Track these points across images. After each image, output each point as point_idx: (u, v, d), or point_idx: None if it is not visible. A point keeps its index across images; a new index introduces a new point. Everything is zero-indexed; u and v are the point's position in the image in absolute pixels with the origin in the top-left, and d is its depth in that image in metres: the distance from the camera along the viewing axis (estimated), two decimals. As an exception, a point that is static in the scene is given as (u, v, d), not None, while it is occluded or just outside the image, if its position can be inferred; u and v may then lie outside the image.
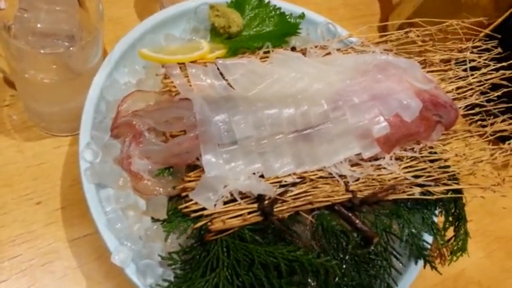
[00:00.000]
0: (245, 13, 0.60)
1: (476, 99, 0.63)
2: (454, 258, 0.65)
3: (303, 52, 0.57)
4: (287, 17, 0.62)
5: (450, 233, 0.61)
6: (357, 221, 0.50)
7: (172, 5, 0.60)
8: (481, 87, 0.64)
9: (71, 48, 0.45)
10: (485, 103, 0.63)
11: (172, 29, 0.58)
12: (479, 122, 0.62)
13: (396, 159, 0.53)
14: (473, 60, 0.65)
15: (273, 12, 0.61)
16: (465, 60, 0.65)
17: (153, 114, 0.47)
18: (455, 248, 0.63)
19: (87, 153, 0.46)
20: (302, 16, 0.63)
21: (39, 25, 0.44)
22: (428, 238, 0.55)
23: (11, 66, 0.47)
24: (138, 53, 0.52)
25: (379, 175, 0.52)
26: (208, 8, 0.58)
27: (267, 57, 0.56)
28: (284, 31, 0.60)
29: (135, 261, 0.44)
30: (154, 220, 0.45)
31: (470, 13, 0.67)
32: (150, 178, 0.46)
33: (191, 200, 0.45)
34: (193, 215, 0.44)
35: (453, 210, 0.60)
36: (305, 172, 0.49)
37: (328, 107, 0.49)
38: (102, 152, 0.47)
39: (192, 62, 0.53)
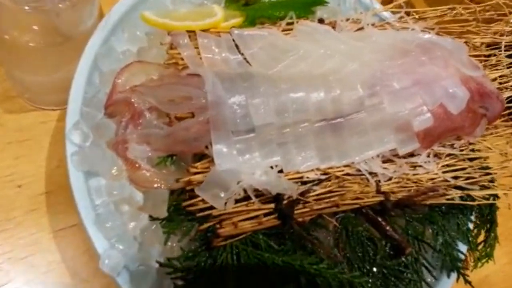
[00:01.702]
0: (266, -25, 0.52)
1: (521, 90, 0.56)
2: (479, 264, 0.59)
3: (333, 25, 0.49)
4: (314, -17, 0.53)
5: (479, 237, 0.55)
6: (388, 228, 0.43)
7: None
8: (527, 77, 0.57)
9: (60, 5, 0.37)
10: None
11: (180, -9, 0.50)
12: (520, 117, 0.56)
13: (434, 156, 0.46)
14: (517, 46, 0.58)
15: (298, -23, 0.53)
16: (509, 45, 0.58)
17: (156, 91, 0.40)
18: (483, 253, 0.57)
19: (75, 135, 0.39)
20: (331, -18, 0.54)
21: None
22: (463, 247, 0.49)
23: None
24: (140, 16, 0.44)
25: (414, 174, 0.45)
26: (223, -33, 0.50)
27: (291, 29, 0.48)
28: (309, -1, 0.52)
29: (128, 267, 0.37)
30: (153, 218, 0.38)
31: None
32: (149, 167, 0.39)
33: (197, 196, 0.38)
34: (199, 214, 0.38)
35: (486, 216, 0.53)
36: (331, 167, 0.42)
37: (363, 93, 0.41)
38: (93, 134, 0.39)
39: (203, 30, 0.45)
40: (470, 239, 0.50)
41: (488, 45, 0.59)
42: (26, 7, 0.37)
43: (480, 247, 0.56)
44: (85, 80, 0.41)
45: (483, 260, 0.58)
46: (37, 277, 0.46)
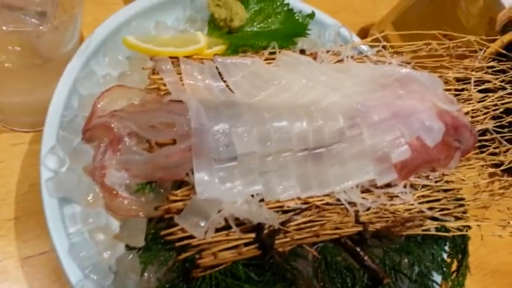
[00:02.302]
0: (249, 5, 0.53)
1: (489, 124, 0.58)
2: (451, 292, 0.60)
3: (314, 56, 0.50)
4: (296, 15, 0.55)
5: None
6: (366, 258, 0.43)
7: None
8: (496, 112, 0.59)
9: (41, 27, 0.36)
10: (499, 130, 0.59)
11: (164, 16, 0.50)
12: (491, 150, 0.57)
13: (410, 187, 0.47)
14: (488, 81, 0.60)
15: (281, 8, 0.54)
16: (480, 80, 0.60)
17: (137, 117, 0.39)
18: (455, 283, 0.58)
19: (51, 160, 0.37)
20: (312, 15, 0.56)
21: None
22: (437, 278, 0.49)
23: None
24: (123, 40, 0.44)
25: (392, 205, 0.45)
26: (207, -4, 0.50)
27: (273, 58, 0.49)
28: (292, 30, 0.53)
29: (102, 299, 0.35)
30: (129, 248, 0.37)
31: (452, 30, 0.62)
32: (127, 195, 0.38)
33: (177, 225, 0.37)
34: (177, 243, 0.37)
35: (459, 247, 0.55)
36: (311, 197, 0.42)
37: (344, 124, 0.42)
38: (69, 159, 0.38)
39: (186, 57, 0.45)
40: (444, 269, 0.50)
41: (459, 79, 0.61)
42: (5, 28, 0.36)
43: (452, 276, 0.57)
44: (63, 103, 0.40)
45: (456, 288, 0.59)
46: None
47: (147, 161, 0.38)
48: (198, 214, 0.37)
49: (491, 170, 0.57)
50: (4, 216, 0.47)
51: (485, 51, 0.65)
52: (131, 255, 0.37)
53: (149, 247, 0.37)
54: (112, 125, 0.39)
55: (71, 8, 0.37)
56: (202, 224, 0.37)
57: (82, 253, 0.36)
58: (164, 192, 0.39)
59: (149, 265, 0.36)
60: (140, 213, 0.38)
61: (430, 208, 0.47)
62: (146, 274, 0.36)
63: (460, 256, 0.56)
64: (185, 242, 0.37)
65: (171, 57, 0.44)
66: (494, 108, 0.59)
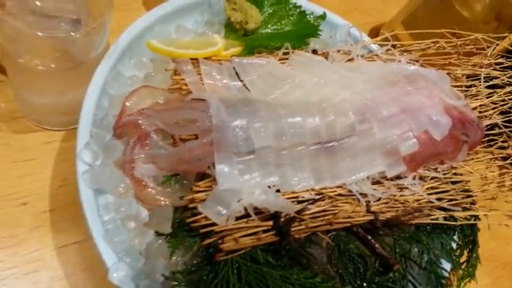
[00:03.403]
0: (263, 8, 0.56)
1: (497, 119, 0.60)
2: (462, 284, 0.62)
3: (325, 56, 0.53)
4: (307, 16, 0.58)
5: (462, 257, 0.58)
6: (377, 245, 0.46)
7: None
8: (504, 107, 0.61)
9: (74, 34, 0.40)
10: (507, 124, 0.60)
11: (184, 20, 0.54)
12: (499, 144, 0.59)
13: (420, 179, 0.50)
14: (496, 77, 0.62)
15: (293, 10, 0.57)
16: (488, 76, 0.62)
17: (162, 114, 0.42)
18: (465, 273, 0.60)
19: (86, 154, 0.41)
20: (323, 16, 0.58)
21: (40, 3, 0.38)
22: (446, 265, 0.52)
23: (3, 48, 0.41)
24: (147, 44, 0.47)
25: (401, 195, 0.48)
26: (224, 0, 0.53)
27: (287, 58, 0.51)
28: (304, 31, 0.56)
29: (134, 280, 0.38)
30: (158, 234, 0.40)
31: (460, 28, 0.64)
32: (155, 185, 0.41)
33: (200, 213, 0.40)
34: (201, 230, 0.40)
35: (468, 236, 0.57)
36: (324, 188, 0.45)
37: (355, 119, 0.45)
38: (102, 154, 0.42)
39: (205, 58, 0.48)
40: (453, 258, 0.53)
41: (468, 76, 0.63)
42: (42, 34, 0.39)
43: (462, 266, 0.59)
44: (95, 103, 0.44)
45: (466, 280, 0.61)
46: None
47: (172, 154, 0.42)
48: (220, 203, 0.40)
49: (500, 163, 0.59)
50: (39, 209, 0.50)
51: (494, 48, 0.67)
52: (160, 241, 0.40)
53: (175, 233, 0.40)
54: (140, 122, 0.42)
55: (101, 15, 0.41)
56: (224, 212, 0.40)
57: (116, 238, 0.39)
58: (188, 183, 0.42)
59: (176, 249, 0.39)
60: (167, 203, 0.41)
61: (439, 199, 0.50)
62: (173, 258, 0.39)
63: (470, 247, 0.58)
64: (208, 229, 0.40)
65: (191, 59, 0.48)
66: (502, 103, 0.61)
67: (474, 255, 0.59)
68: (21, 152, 0.52)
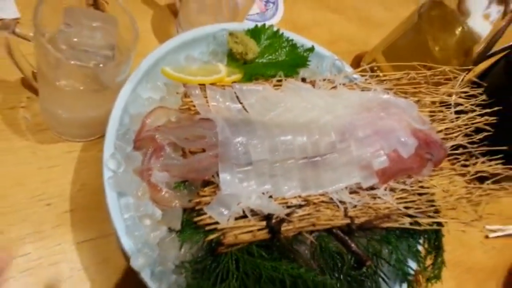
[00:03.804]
0: (260, 41, 0.64)
1: (461, 141, 0.69)
2: (429, 285, 0.70)
3: (313, 83, 0.61)
4: (298, 48, 0.66)
5: (428, 261, 0.66)
6: (353, 245, 0.54)
7: (189, 28, 0.63)
8: (467, 130, 0.70)
9: (104, 65, 0.48)
10: (468, 145, 0.69)
11: (192, 50, 0.62)
12: (462, 162, 0.69)
13: (390, 190, 0.58)
14: (461, 104, 0.71)
15: (286, 43, 0.66)
16: (454, 103, 0.72)
17: (175, 131, 0.50)
18: (432, 275, 0.69)
19: (111, 163, 0.49)
20: (312, 49, 0.67)
21: (78, 40, 0.47)
22: (412, 264, 0.60)
23: (43, 73, 0.49)
24: (161, 70, 0.55)
25: (374, 203, 0.56)
26: (226, 34, 0.62)
27: (280, 85, 0.60)
28: (295, 62, 0.65)
29: (150, 267, 0.46)
30: (170, 230, 0.48)
31: (434, 60, 0.73)
32: (167, 190, 0.49)
33: (205, 213, 0.48)
34: (206, 228, 0.48)
35: (433, 240, 0.65)
36: (309, 196, 0.53)
37: (336, 138, 0.53)
38: (124, 163, 0.50)
39: (211, 83, 0.56)
40: (419, 259, 0.61)
41: (440, 102, 0.73)
42: (78, 64, 0.47)
43: (429, 268, 0.68)
44: (118, 120, 0.51)
45: (433, 281, 0.70)
46: (60, 282, 0.54)
47: (183, 164, 0.50)
48: (222, 206, 0.48)
49: (462, 179, 0.68)
50: (61, 209, 0.58)
51: (463, 79, 0.77)
52: (171, 236, 0.48)
53: (184, 230, 0.48)
54: (156, 137, 0.50)
55: (127, 50, 0.49)
56: (225, 213, 0.48)
57: (135, 233, 0.47)
58: (195, 189, 0.50)
59: (185, 243, 0.47)
60: (177, 204, 0.49)
61: (406, 208, 0.58)
62: (182, 250, 0.47)
63: (435, 251, 0.67)
64: (212, 226, 0.48)
65: (199, 84, 0.56)
66: (466, 127, 0.71)
67: (440, 259, 0.67)
68: (45, 160, 0.60)
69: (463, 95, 0.72)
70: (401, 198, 0.59)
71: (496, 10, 0.80)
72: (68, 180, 0.60)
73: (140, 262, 0.45)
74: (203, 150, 0.50)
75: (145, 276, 0.45)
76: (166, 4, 0.78)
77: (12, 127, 0.60)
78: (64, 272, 0.55)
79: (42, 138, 0.61)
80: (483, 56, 0.84)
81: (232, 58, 0.62)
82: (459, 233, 0.82)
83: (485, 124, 0.69)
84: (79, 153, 0.62)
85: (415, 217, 0.58)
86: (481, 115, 0.70)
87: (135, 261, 0.45)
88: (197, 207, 0.49)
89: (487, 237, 0.89)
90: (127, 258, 0.46)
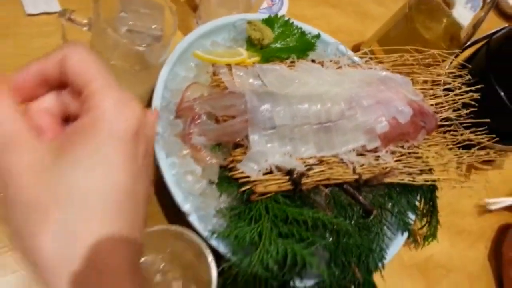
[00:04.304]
0: (274, 29, 0.74)
1: (450, 114, 0.79)
2: (426, 243, 0.80)
3: (321, 64, 0.71)
4: (306, 35, 0.76)
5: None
6: (360, 197, 0.64)
7: (209, 21, 0.73)
8: (454, 105, 0.80)
9: (153, 45, 0.57)
10: (455, 118, 0.80)
11: (216, 37, 0.71)
12: (451, 132, 0.79)
13: (391, 153, 0.68)
14: (449, 83, 0.82)
15: (296, 31, 0.76)
16: (443, 82, 0.82)
17: (210, 101, 0.60)
18: (428, 233, 0.79)
19: (159, 128, 0.58)
20: (318, 36, 0.77)
21: (133, 22, 0.56)
22: (412, 216, 0.70)
23: (98, 53, 0.58)
24: (193, 53, 0.65)
25: (378, 163, 0.66)
26: (245, 23, 0.72)
27: (293, 66, 0.70)
28: (304, 46, 0.74)
29: (196, 212, 0.56)
30: (211, 182, 0.57)
31: (423, 46, 0.83)
32: (206, 150, 0.58)
33: (238, 169, 0.58)
34: (240, 180, 0.57)
35: (428, 200, 0.75)
36: (323, 156, 0.63)
37: (344, 107, 0.63)
38: (169, 129, 0.59)
39: (236, 64, 0.66)
40: (416, 212, 0.71)
41: (428, 81, 0.83)
42: (133, 45, 0.56)
43: (425, 228, 0.77)
44: (161, 94, 0.61)
45: (429, 239, 0.80)
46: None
47: (217, 129, 0.59)
48: (252, 161, 0.57)
49: (450, 146, 0.79)
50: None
51: (451, 62, 0.87)
52: (211, 187, 0.57)
53: (221, 182, 0.57)
54: (194, 107, 0.60)
55: (171, 34, 0.58)
56: (255, 168, 0.57)
57: (182, 185, 0.56)
58: (228, 150, 0.60)
59: (223, 194, 0.57)
60: (214, 161, 0.58)
61: (404, 167, 0.68)
62: (221, 199, 0.56)
63: (430, 212, 0.76)
64: (245, 180, 0.57)
65: (226, 64, 0.66)
66: (453, 102, 0.81)
67: (434, 218, 0.77)
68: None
69: (451, 75, 0.83)
70: (400, 159, 0.69)
71: (475, 2, 0.91)
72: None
73: (187, 207, 0.54)
74: (233, 117, 0.60)
75: (193, 218, 0.55)
76: (185, 0, 0.88)
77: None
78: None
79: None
80: (467, 42, 0.94)
81: (251, 43, 0.72)
82: (452, 202, 0.93)
83: (470, 100, 0.80)
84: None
85: (412, 174, 0.68)
86: (466, 92, 0.80)
87: (184, 206, 0.54)
88: (230, 165, 0.58)
89: (490, 211, 0.98)
90: (172, 211, 0.55)
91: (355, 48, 1.04)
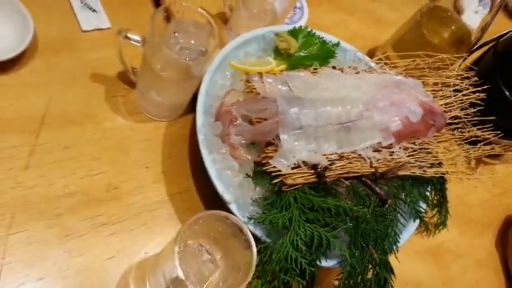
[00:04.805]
0: (298, 40, 0.83)
1: (458, 113, 0.87)
2: (437, 230, 0.89)
3: (341, 70, 0.80)
4: (327, 44, 0.85)
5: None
6: (377, 188, 0.72)
7: (239, 32, 0.82)
8: (462, 104, 0.88)
9: (199, 59, 0.67)
10: (463, 116, 0.87)
11: (247, 48, 0.81)
12: (459, 130, 0.87)
13: (404, 149, 0.77)
14: (457, 85, 0.90)
15: (317, 40, 0.84)
16: (452, 83, 0.90)
17: (245, 105, 0.69)
18: (439, 221, 0.87)
19: (202, 130, 0.68)
20: (337, 44, 0.86)
21: (183, 40, 0.66)
22: (423, 205, 0.78)
23: (149, 66, 0.68)
24: (229, 64, 0.75)
25: (392, 158, 0.75)
26: (273, 34, 0.81)
27: (316, 72, 0.79)
28: (325, 54, 0.83)
29: (236, 201, 0.65)
30: (247, 176, 0.67)
31: (434, 50, 0.91)
32: (242, 148, 0.68)
33: (270, 164, 0.67)
34: (273, 174, 0.66)
35: (438, 192, 0.83)
36: (343, 152, 0.71)
37: (362, 108, 0.72)
38: (211, 129, 0.69)
39: (266, 72, 0.75)
40: (428, 202, 0.79)
41: (441, 83, 0.91)
42: (182, 59, 0.66)
43: (436, 217, 0.86)
44: (203, 101, 0.71)
45: (440, 227, 0.88)
46: (161, 223, 0.72)
47: (252, 130, 0.68)
48: (283, 158, 0.66)
49: (458, 142, 0.86)
50: (156, 170, 0.75)
51: (460, 65, 0.95)
52: (247, 180, 0.67)
53: (256, 176, 0.67)
54: (232, 111, 0.69)
55: (214, 50, 0.68)
56: (285, 163, 0.66)
57: (223, 178, 0.66)
58: (261, 148, 0.69)
59: (258, 185, 0.66)
60: (249, 158, 0.67)
61: (416, 161, 0.77)
62: (256, 190, 0.66)
63: (440, 201, 0.85)
64: (277, 173, 0.66)
65: (257, 73, 0.75)
66: (461, 102, 0.89)
67: (444, 207, 0.86)
68: (141, 134, 0.78)
69: (459, 77, 0.90)
70: (412, 154, 0.77)
71: (484, 6, 0.98)
72: (159, 150, 0.78)
73: (228, 197, 0.64)
74: (265, 119, 0.69)
75: (233, 207, 0.64)
76: (216, 13, 0.97)
77: (115, 110, 0.79)
78: (163, 215, 0.73)
79: (138, 119, 0.79)
80: (475, 45, 1.02)
81: (278, 53, 0.81)
82: (460, 194, 1.01)
83: (477, 100, 0.87)
84: (165, 130, 0.80)
85: (423, 167, 0.76)
86: (474, 93, 0.88)
87: (226, 196, 0.64)
88: (263, 161, 0.68)
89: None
90: (210, 203, 0.65)
91: (371, 52, 1.12)
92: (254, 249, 0.56)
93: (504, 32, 1.04)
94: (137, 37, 0.68)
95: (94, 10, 0.85)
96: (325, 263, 0.65)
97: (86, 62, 0.80)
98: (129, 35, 0.68)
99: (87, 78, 0.79)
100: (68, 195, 0.69)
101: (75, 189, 0.70)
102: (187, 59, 0.66)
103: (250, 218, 0.64)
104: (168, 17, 0.71)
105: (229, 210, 0.65)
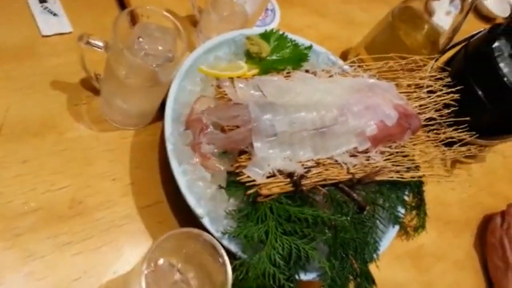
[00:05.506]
0: (270, 43, 0.80)
1: (433, 114, 0.87)
2: (416, 233, 0.88)
3: (314, 73, 0.78)
4: (300, 47, 0.83)
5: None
6: (354, 195, 0.70)
7: (209, 35, 0.79)
8: (436, 106, 0.87)
9: (165, 65, 0.64)
10: (438, 118, 0.87)
11: (218, 52, 0.78)
12: (434, 131, 0.86)
13: (380, 153, 0.75)
14: (431, 86, 0.89)
15: (290, 43, 0.82)
16: (425, 85, 0.89)
17: (216, 113, 0.66)
18: (418, 225, 0.86)
19: (171, 139, 0.64)
20: (310, 47, 0.84)
21: (149, 46, 0.62)
22: (401, 210, 0.77)
23: (113, 73, 0.64)
24: (198, 69, 0.71)
25: (369, 163, 0.73)
26: (244, 38, 0.78)
27: (289, 76, 0.76)
28: (298, 57, 0.81)
29: (208, 215, 0.62)
30: (220, 187, 0.64)
31: (406, 52, 0.90)
32: (214, 158, 0.65)
33: (244, 174, 0.64)
34: (247, 184, 0.63)
35: (416, 194, 0.82)
36: (319, 159, 0.69)
37: (337, 113, 0.70)
38: (179, 139, 0.65)
39: (238, 77, 0.72)
40: (406, 206, 0.78)
41: (414, 85, 0.90)
42: (148, 65, 0.62)
43: (415, 220, 0.85)
44: (171, 108, 0.67)
45: (419, 230, 0.87)
46: (129, 239, 0.69)
47: (224, 138, 0.65)
48: (257, 167, 0.63)
49: (434, 144, 0.86)
50: (124, 182, 0.72)
51: (433, 65, 0.94)
52: (220, 191, 0.63)
53: (230, 187, 0.64)
54: (202, 118, 0.66)
55: (182, 55, 0.64)
56: (260, 172, 0.63)
57: (194, 190, 0.62)
58: (234, 157, 0.66)
59: (231, 197, 0.63)
60: (222, 168, 0.64)
61: (393, 165, 0.75)
62: (230, 202, 0.63)
63: (419, 203, 0.83)
64: (251, 183, 0.63)
65: (228, 78, 0.72)
66: (435, 103, 0.88)
67: (422, 209, 0.84)
68: (106, 144, 0.73)
69: (432, 78, 0.90)
70: (388, 158, 0.76)
71: (455, 7, 0.98)
72: (126, 160, 0.74)
73: (200, 211, 0.61)
74: (237, 127, 0.66)
75: (205, 221, 0.61)
76: (186, 15, 0.94)
77: (78, 119, 0.74)
78: (131, 231, 0.69)
79: (103, 127, 0.74)
80: (447, 46, 1.01)
81: (250, 57, 0.78)
82: (438, 195, 1.00)
83: (451, 100, 0.87)
84: (132, 138, 0.76)
85: (400, 171, 0.75)
86: (447, 93, 0.87)
87: (198, 210, 0.60)
88: (237, 170, 0.65)
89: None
90: (183, 215, 0.61)
91: (344, 54, 1.10)
92: (229, 268, 0.53)
93: (475, 32, 1.04)
94: (99, 43, 0.64)
95: (55, 14, 0.80)
96: (304, 277, 0.63)
97: (46, 69, 0.75)
98: (91, 40, 0.63)
99: (48, 86, 0.75)
100: (28, 213, 0.64)
101: (36, 206, 0.65)
102: (153, 65, 0.62)
103: (224, 233, 0.61)
104: (133, 21, 0.67)
105: (202, 224, 0.61)
